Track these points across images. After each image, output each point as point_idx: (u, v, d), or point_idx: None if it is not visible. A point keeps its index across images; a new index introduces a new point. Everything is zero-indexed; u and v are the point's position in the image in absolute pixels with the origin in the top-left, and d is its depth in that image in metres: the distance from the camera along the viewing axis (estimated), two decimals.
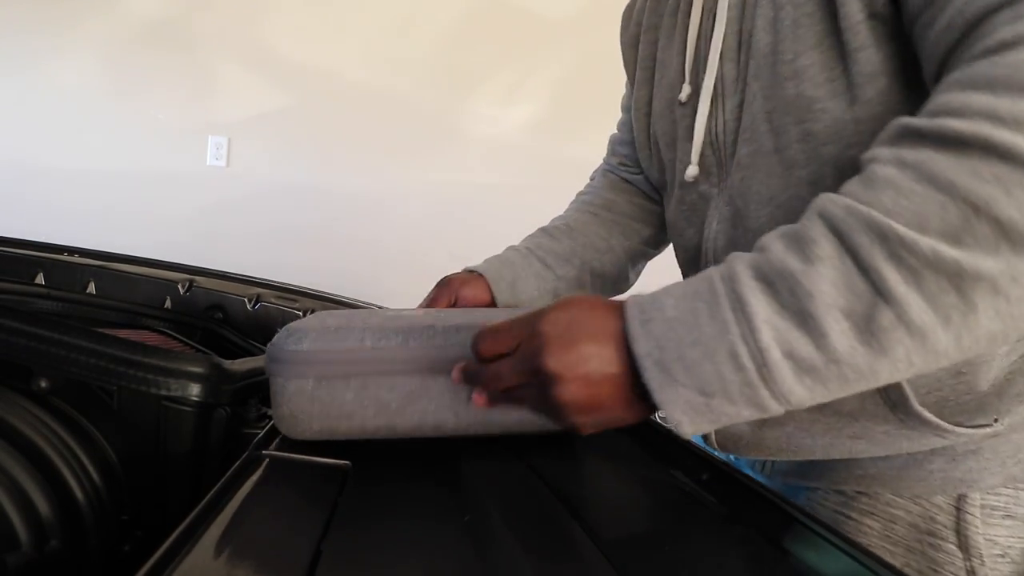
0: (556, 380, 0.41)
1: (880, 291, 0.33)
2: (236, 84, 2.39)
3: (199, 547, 0.35)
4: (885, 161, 0.36)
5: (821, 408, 0.53)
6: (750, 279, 0.37)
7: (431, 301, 0.69)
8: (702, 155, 0.60)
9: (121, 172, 2.34)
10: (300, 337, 0.48)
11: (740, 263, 0.38)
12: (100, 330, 0.58)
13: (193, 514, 0.38)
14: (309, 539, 0.37)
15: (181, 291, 1.06)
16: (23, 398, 0.52)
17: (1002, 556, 0.52)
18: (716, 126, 0.58)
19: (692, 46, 0.60)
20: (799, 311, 0.35)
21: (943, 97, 0.35)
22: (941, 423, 0.50)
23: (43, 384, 0.53)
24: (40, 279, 1.04)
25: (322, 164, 2.45)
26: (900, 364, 0.35)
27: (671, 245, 0.75)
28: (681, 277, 0.70)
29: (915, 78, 0.44)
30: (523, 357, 0.43)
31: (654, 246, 0.84)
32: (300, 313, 1.06)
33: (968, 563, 0.52)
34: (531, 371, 0.42)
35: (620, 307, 0.42)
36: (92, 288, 1.06)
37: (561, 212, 0.86)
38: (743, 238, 0.56)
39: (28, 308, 0.82)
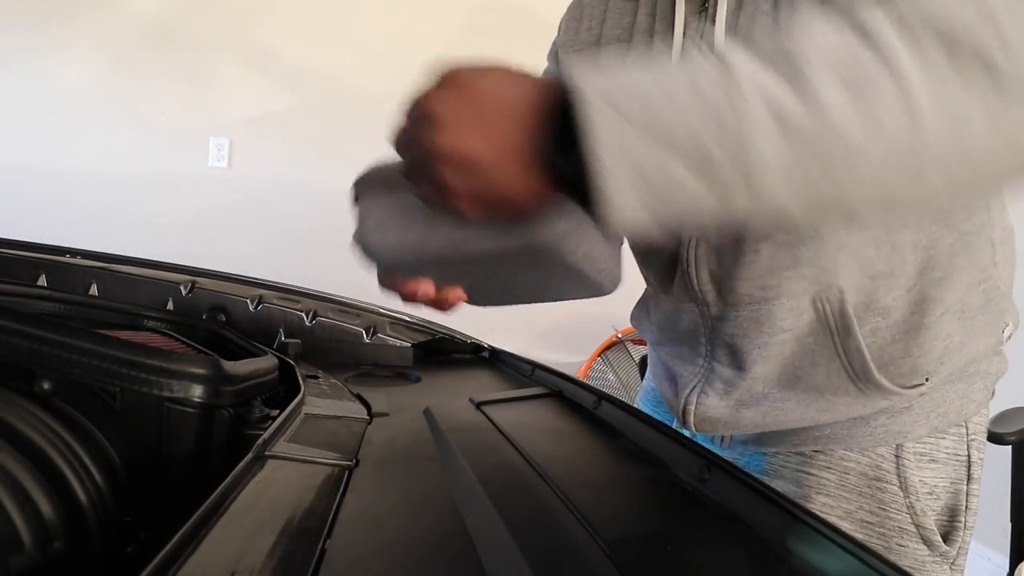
0: (432, 122, 0.36)
1: (874, 43, 0.31)
2: (237, 85, 2.39)
3: (202, 548, 0.35)
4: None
5: (793, 387, 0.63)
6: (726, 44, 0.34)
7: None
8: None
9: (122, 173, 2.35)
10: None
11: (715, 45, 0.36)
12: (102, 332, 0.58)
13: (196, 515, 0.38)
14: (312, 539, 0.37)
15: (183, 292, 1.06)
16: (25, 400, 0.52)
17: (930, 494, 0.63)
18: None
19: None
20: (782, 57, 0.31)
21: None
22: (891, 386, 0.60)
23: (45, 386, 0.53)
24: (42, 281, 1.04)
25: (324, 165, 2.45)
26: (879, 130, 0.31)
27: None
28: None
29: None
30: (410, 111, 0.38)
31: None
32: (302, 314, 1.06)
33: (907, 500, 0.62)
34: (413, 119, 0.37)
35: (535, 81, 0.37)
36: (94, 290, 1.06)
37: None
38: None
39: (30, 310, 0.82)
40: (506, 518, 0.41)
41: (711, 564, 0.38)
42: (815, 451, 0.66)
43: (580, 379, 0.76)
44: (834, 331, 0.60)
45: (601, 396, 0.69)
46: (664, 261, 0.68)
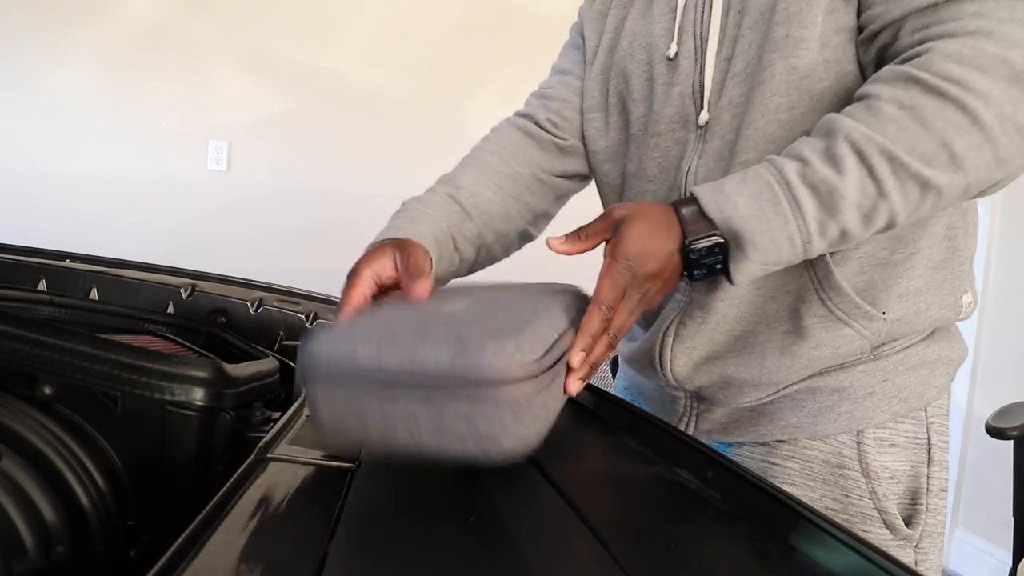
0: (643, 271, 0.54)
1: (882, 192, 0.51)
2: (235, 88, 2.39)
3: (205, 551, 0.35)
4: (888, 100, 0.51)
5: (764, 309, 0.66)
6: (801, 184, 0.52)
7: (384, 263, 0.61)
8: (681, 105, 0.68)
9: (122, 177, 2.35)
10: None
11: (790, 171, 0.53)
12: (103, 336, 0.58)
13: (199, 518, 0.38)
14: (315, 542, 0.37)
15: (183, 296, 1.06)
16: (27, 405, 0.52)
17: (891, 478, 0.65)
18: (700, 78, 0.66)
19: (680, 13, 0.68)
20: (832, 208, 0.52)
21: (927, 59, 0.51)
22: (852, 295, 0.62)
23: (47, 390, 0.53)
24: (42, 286, 1.04)
25: (323, 167, 2.45)
26: (873, 233, 0.54)
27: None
28: None
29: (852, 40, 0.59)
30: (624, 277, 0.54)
31: (536, 228, 0.85)
32: (302, 316, 1.06)
33: (870, 485, 0.64)
34: (633, 279, 0.54)
35: (676, 209, 0.56)
36: (94, 294, 1.06)
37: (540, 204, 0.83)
38: (729, 167, 0.65)
39: (31, 315, 0.82)
40: (509, 518, 0.41)
41: (715, 562, 0.38)
42: (779, 441, 0.68)
43: None
44: None
45: (603, 395, 0.69)
46: (664, 188, 0.70)
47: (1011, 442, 1.18)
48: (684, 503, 0.47)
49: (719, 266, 0.55)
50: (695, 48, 0.67)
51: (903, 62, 0.53)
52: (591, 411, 0.68)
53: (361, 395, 0.44)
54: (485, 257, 0.79)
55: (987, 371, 2.10)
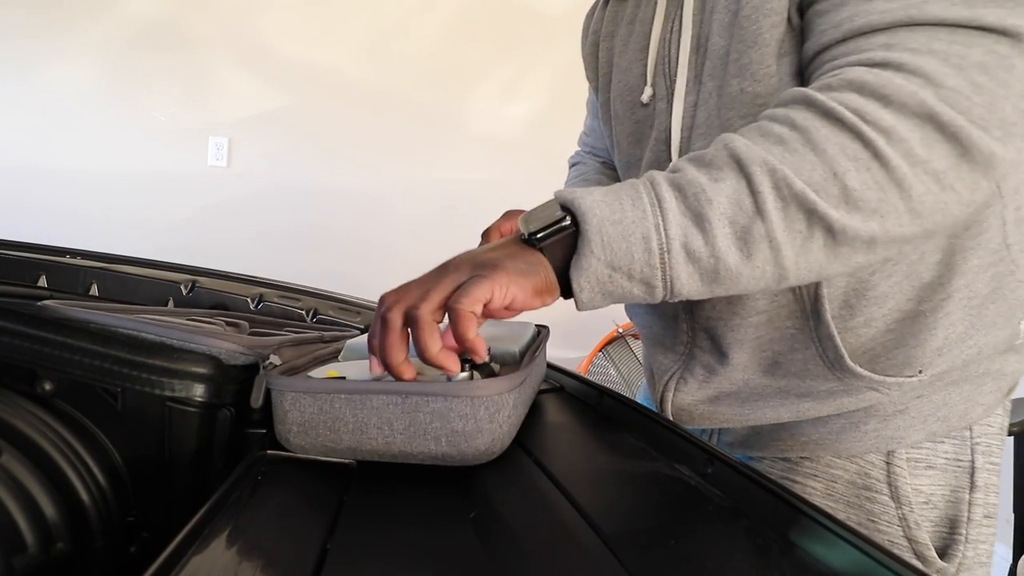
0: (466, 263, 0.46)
1: (759, 209, 0.43)
2: (235, 84, 2.39)
3: (205, 547, 0.35)
4: (781, 121, 0.46)
5: (772, 374, 0.61)
6: (667, 185, 0.45)
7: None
8: (656, 151, 0.65)
9: (122, 173, 2.35)
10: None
11: (658, 175, 0.47)
12: (103, 330, 0.58)
13: (199, 514, 0.38)
14: (316, 537, 0.37)
15: (183, 291, 1.06)
16: (27, 401, 0.52)
17: (926, 503, 0.59)
18: (672, 124, 0.63)
19: (654, 51, 0.65)
20: (699, 214, 0.44)
21: (828, 82, 0.46)
22: (872, 375, 0.57)
23: (47, 386, 0.53)
24: (43, 282, 1.04)
25: (323, 163, 2.45)
26: (757, 271, 0.45)
27: None
28: None
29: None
30: (433, 274, 0.48)
31: None
32: (303, 311, 1.06)
33: (900, 511, 0.58)
34: (442, 273, 0.47)
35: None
36: (95, 290, 1.06)
37: None
38: None
39: (31, 311, 0.82)
40: (509, 514, 0.41)
41: (714, 558, 0.38)
42: (801, 457, 0.63)
43: (581, 375, 0.76)
44: (809, 315, 0.58)
45: (603, 391, 0.69)
46: None
47: (1011, 438, 1.18)
48: (684, 499, 0.47)
49: (566, 224, 0.46)
50: (666, 90, 0.64)
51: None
52: (591, 407, 0.68)
53: (333, 399, 0.47)
54: None
55: None
